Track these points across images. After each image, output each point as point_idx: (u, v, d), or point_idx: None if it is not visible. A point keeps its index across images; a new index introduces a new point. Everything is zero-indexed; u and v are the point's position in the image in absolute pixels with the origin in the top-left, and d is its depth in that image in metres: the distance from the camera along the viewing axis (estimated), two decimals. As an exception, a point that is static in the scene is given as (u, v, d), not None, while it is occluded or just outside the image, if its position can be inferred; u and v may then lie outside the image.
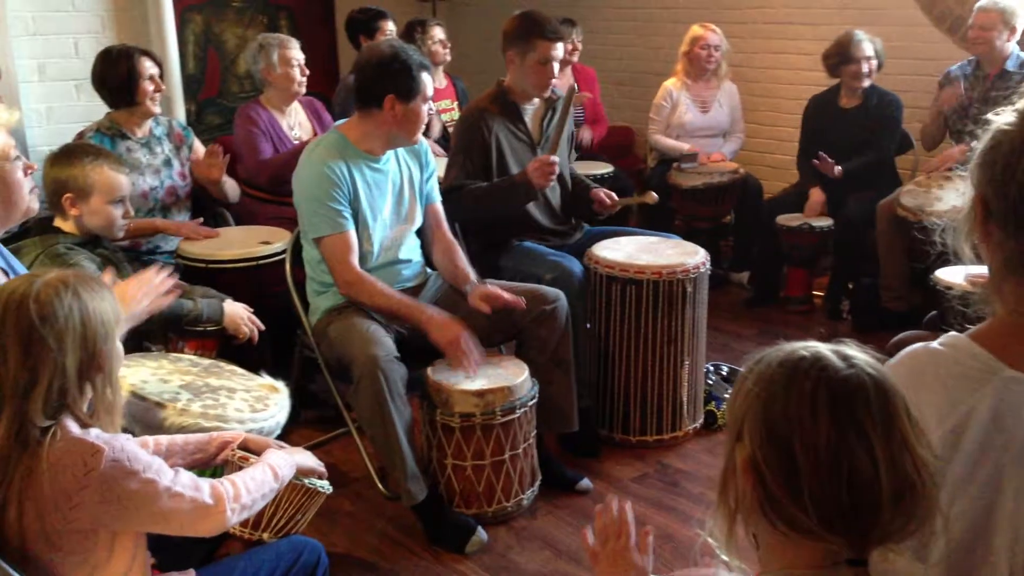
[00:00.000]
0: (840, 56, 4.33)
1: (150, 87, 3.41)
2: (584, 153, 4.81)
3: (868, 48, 4.28)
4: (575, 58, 5.00)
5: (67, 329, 1.47)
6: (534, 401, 2.90)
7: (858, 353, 1.08)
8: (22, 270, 2.15)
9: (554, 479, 3.07)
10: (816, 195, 4.40)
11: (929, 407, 1.16)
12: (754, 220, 4.66)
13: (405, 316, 2.84)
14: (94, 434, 1.51)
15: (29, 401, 1.46)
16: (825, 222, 4.37)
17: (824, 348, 1.08)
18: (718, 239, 5.00)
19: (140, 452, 1.54)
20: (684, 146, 4.81)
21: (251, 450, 1.90)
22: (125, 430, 1.64)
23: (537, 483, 3.01)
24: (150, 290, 2.19)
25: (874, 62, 4.31)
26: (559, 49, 3.35)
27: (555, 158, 3.21)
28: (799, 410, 1.04)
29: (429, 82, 2.87)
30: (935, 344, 1.22)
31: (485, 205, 3.30)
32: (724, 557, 1.14)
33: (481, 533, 2.79)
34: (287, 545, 1.86)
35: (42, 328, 1.46)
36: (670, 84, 4.91)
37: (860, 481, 1.01)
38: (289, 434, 3.36)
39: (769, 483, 1.05)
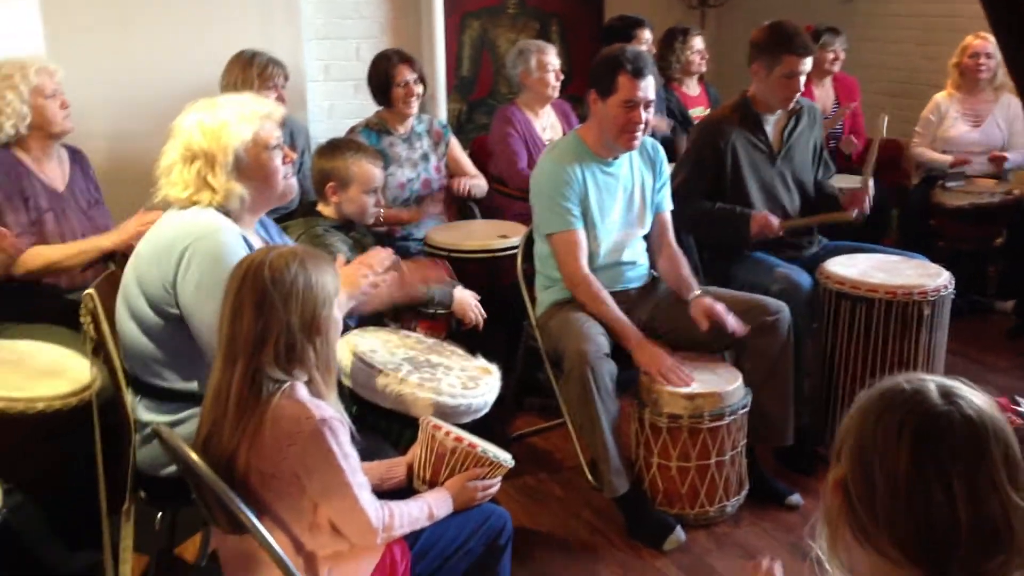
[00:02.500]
0: None
1: (402, 92, 3.73)
2: (843, 166, 4.64)
3: None
4: (836, 68, 4.83)
5: (292, 293, 1.72)
6: (745, 410, 2.89)
7: (967, 392, 1.09)
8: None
9: (763, 491, 3.05)
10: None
11: None
12: (1029, 246, 4.30)
13: (615, 333, 2.95)
14: (316, 404, 1.73)
15: (261, 354, 1.72)
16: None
17: (931, 382, 1.10)
18: (985, 264, 4.65)
19: (346, 441, 1.76)
20: (947, 158, 4.53)
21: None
22: (342, 389, 1.87)
23: (744, 492, 3.00)
24: (371, 274, 2.43)
25: None
26: (807, 64, 3.29)
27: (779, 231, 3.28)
28: (885, 438, 1.07)
29: (636, 86, 2.91)
30: None
31: (705, 224, 3.36)
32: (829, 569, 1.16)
33: (680, 533, 2.83)
34: (474, 510, 2.02)
35: (272, 291, 1.72)
36: (940, 97, 4.64)
37: (935, 515, 1.03)
38: (514, 419, 3.58)
39: (855, 503, 1.08)
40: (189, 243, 2.12)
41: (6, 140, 2.96)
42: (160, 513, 2.33)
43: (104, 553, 2.34)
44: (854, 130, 4.88)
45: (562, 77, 4.21)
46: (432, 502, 1.94)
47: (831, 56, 4.75)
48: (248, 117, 2.22)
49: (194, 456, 1.72)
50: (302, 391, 1.74)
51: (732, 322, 2.90)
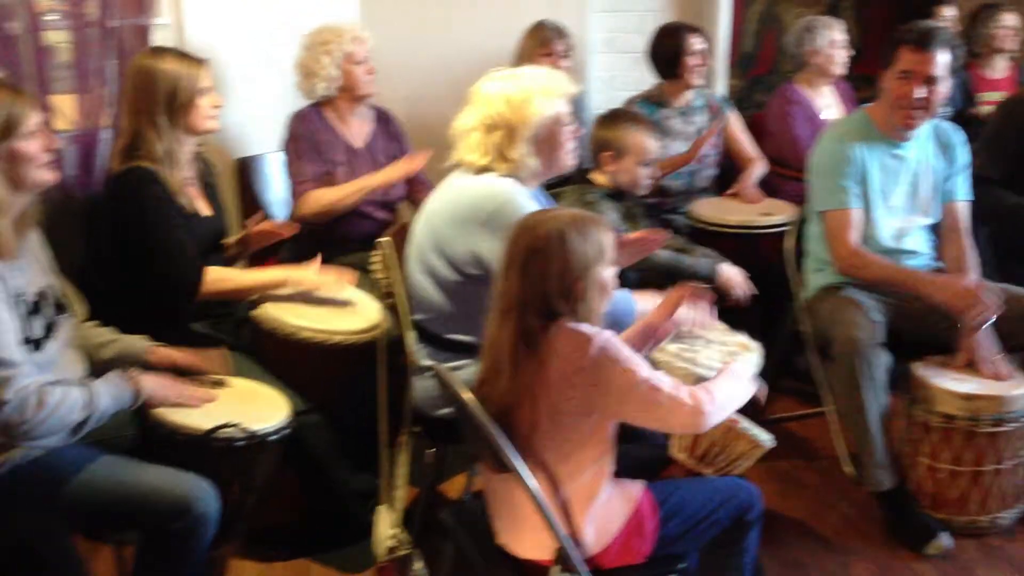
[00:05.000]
0: None
1: (693, 62, 3.73)
2: None
3: None
4: None
5: (556, 255, 1.80)
6: (1031, 418, 2.68)
7: None
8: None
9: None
10: None
11: None
12: None
13: (906, 283, 2.79)
14: (585, 327, 1.81)
15: (527, 311, 1.81)
16: None
17: None
18: None
19: (623, 346, 1.82)
20: None
21: None
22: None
23: (1021, 505, 2.78)
24: (641, 242, 2.48)
25: None
26: None
27: None
28: None
29: (915, 57, 2.73)
30: None
31: (1008, 220, 3.08)
32: None
33: (945, 539, 2.68)
34: (724, 483, 2.03)
35: (537, 251, 1.81)
36: None
37: None
38: (771, 404, 3.50)
39: None
40: (494, 208, 2.27)
41: (317, 99, 3.29)
42: (431, 450, 2.52)
43: (381, 479, 2.58)
44: None
45: (852, 53, 4.03)
46: (734, 368, 1.99)
47: None
48: (551, 92, 2.34)
49: (467, 395, 1.84)
50: (568, 322, 1.81)
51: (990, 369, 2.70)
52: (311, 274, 2.69)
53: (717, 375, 1.96)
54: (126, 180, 2.56)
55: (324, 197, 3.20)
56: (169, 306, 2.57)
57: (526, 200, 2.29)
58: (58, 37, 2.96)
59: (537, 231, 1.83)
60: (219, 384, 2.28)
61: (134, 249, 2.54)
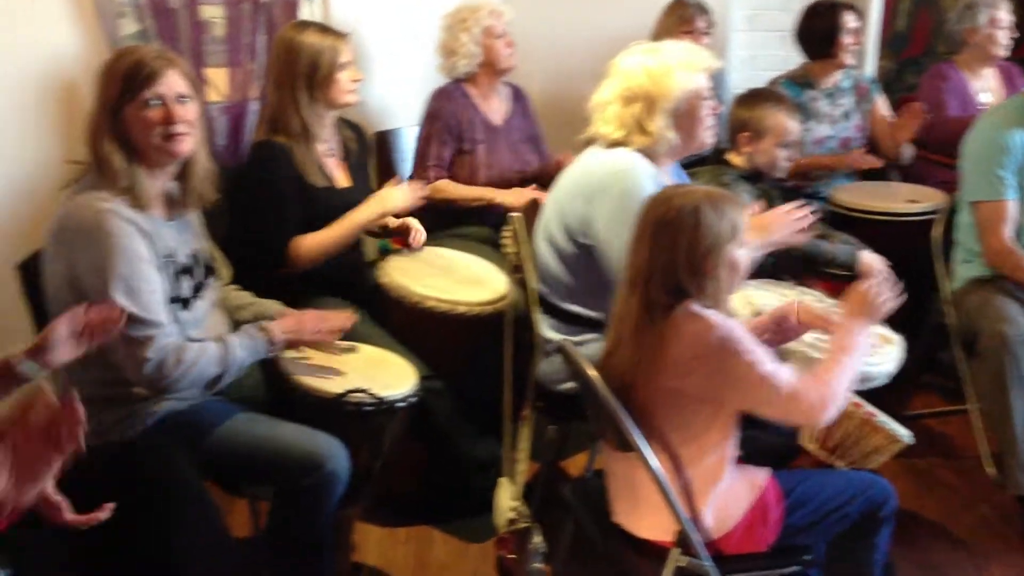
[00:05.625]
0: None
1: (847, 40, 3.58)
2: None
3: None
4: None
5: (684, 230, 1.77)
6: None
7: None
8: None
9: None
10: None
11: None
12: None
13: None
14: (711, 314, 1.78)
15: (651, 284, 1.79)
16: None
17: None
18: None
19: (747, 337, 1.79)
20: None
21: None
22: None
23: None
24: (787, 223, 2.41)
25: None
26: None
27: None
28: None
29: None
30: None
31: None
32: None
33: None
34: (857, 476, 1.97)
35: (667, 225, 1.79)
36: None
37: None
38: (910, 398, 3.37)
39: None
40: (609, 180, 2.27)
41: (458, 76, 3.33)
42: (553, 425, 2.53)
43: (503, 452, 2.61)
44: None
45: (1015, 34, 3.78)
46: (846, 343, 1.88)
47: None
48: (692, 66, 2.30)
49: (592, 372, 1.84)
50: (695, 306, 1.78)
51: None
52: (394, 193, 2.73)
53: (832, 363, 1.86)
54: (254, 153, 2.69)
55: (449, 190, 3.25)
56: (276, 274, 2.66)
57: (648, 176, 2.26)
58: (213, 12, 3.08)
59: (670, 204, 1.81)
60: (349, 351, 2.34)
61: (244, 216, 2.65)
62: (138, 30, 2.82)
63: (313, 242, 2.65)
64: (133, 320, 1.87)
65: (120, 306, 1.82)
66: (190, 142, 2.02)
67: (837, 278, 2.86)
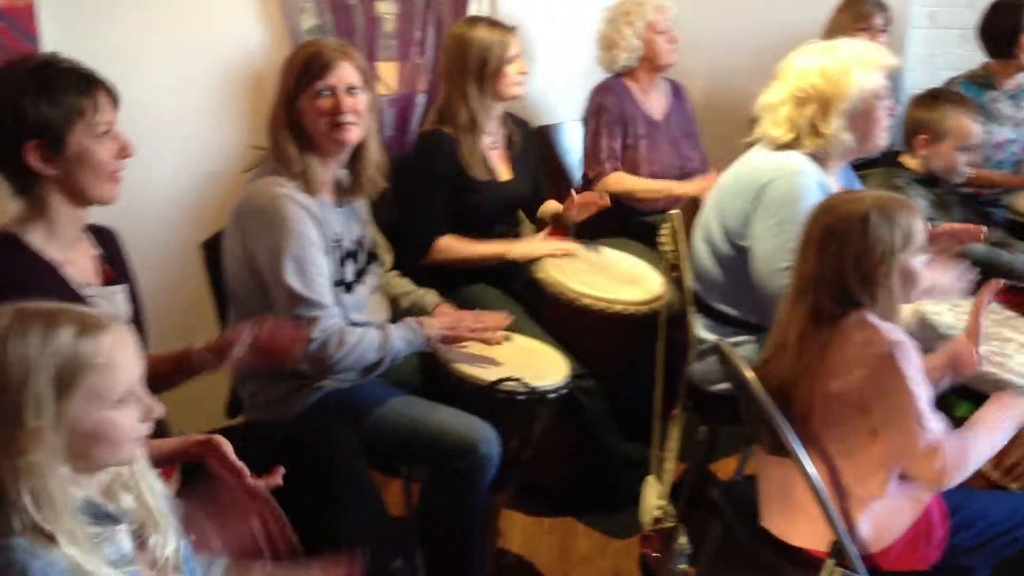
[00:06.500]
0: None
1: None
2: None
3: None
4: None
5: (853, 238, 1.71)
6: None
7: None
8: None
9: None
10: None
11: None
12: None
13: None
14: (887, 326, 1.71)
15: (820, 293, 1.75)
16: None
17: None
18: None
19: (915, 359, 1.70)
20: None
21: None
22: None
23: None
24: (954, 235, 2.30)
25: None
26: None
27: None
28: None
29: None
30: None
31: None
32: None
33: None
34: (1032, 498, 1.86)
35: (834, 233, 1.74)
36: None
37: None
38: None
39: None
40: (769, 180, 2.22)
41: (619, 70, 3.33)
42: (703, 427, 2.50)
43: (652, 450, 2.60)
44: None
45: None
46: (1001, 416, 1.78)
47: None
48: (870, 65, 2.22)
49: (749, 374, 1.81)
50: (870, 315, 1.73)
51: None
52: (536, 246, 2.77)
53: (982, 434, 1.75)
54: (420, 141, 2.78)
55: (626, 182, 3.25)
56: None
57: (814, 182, 2.20)
58: (386, 8, 3.19)
59: (838, 211, 1.76)
60: (504, 340, 2.38)
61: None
62: (316, 24, 2.96)
63: (457, 248, 2.73)
64: (300, 300, 1.97)
65: (304, 332, 1.92)
66: (357, 132, 2.10)
67: (1017, 290, 2.71)
